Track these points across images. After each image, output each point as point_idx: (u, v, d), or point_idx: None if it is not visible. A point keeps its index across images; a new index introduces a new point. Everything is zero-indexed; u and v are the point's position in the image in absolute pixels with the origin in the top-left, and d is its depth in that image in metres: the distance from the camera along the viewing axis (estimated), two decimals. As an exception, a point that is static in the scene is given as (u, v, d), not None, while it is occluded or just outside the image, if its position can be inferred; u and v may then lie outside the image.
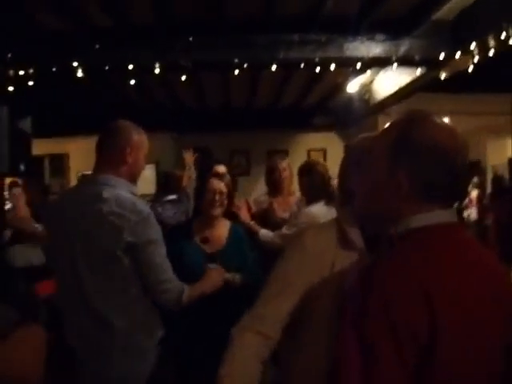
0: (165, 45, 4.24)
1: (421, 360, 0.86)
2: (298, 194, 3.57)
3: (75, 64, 4.24)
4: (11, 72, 4.37)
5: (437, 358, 0.86)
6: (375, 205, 1.10)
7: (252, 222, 3.32)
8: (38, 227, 4.57)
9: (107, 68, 4.29)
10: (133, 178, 1.93)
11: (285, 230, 3.08)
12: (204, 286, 2.04)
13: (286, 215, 3.41)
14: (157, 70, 4.35)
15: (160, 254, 1.79)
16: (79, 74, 4.35)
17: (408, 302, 0.87)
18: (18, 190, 4.69)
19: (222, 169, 3.86)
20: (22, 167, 5.03)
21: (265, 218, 3.48)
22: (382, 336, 0.86)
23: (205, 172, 3.29)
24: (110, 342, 1.72)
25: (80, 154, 10.30)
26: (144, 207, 1.79)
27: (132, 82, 4.61)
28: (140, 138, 1.91)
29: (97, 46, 4.22)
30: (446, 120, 4.65)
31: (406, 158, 1.00)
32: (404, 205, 1.01)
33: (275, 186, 3.60)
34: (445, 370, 0.88)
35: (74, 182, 10.43)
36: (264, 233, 3.20)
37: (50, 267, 2.08)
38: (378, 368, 0.85)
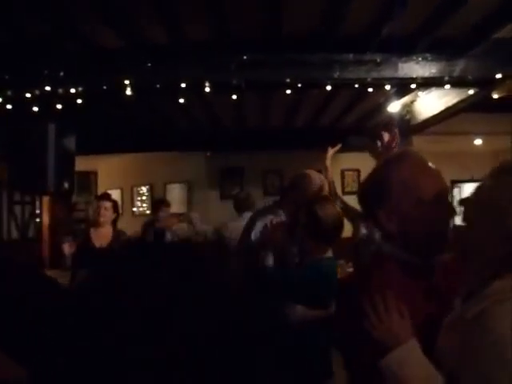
0: (218, 63, 4.19)
1: None
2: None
3: (126, 82, 4.21)
4: (60, 90, 4.36)
5: None
6: None
7: None
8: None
9: (158, 86, 4.26)
10: None
11: None
12: None
13: None
14: (207, 89, 4.31)
15: None
16: (128, 92, 4.32)
17: None
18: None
19: None
20: (66, 185, 4.98)
21: None
22: None
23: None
24: None
25: (109, 172, 10.32)
26: None
27: (181, 100, 4.56)
28: None
29: (148, 64, 4.19)
30: (479, 141, 4.49)
31: None
32: None
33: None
34: None
35: (101, 199, 10.41)
36: None
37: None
38: None
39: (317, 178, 3.14)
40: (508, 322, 0.99)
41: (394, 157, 1.39)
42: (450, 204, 1.31)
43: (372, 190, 1.37)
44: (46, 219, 9.12)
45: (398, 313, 1.20)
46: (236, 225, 4.65)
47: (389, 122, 3.33)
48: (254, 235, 2.99)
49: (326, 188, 3.27)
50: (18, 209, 7.97)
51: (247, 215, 4.64)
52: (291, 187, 3.17)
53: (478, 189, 1.16)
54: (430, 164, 1.34)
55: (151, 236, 5.67)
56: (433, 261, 1.32)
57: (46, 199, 8.65)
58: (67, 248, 4.11)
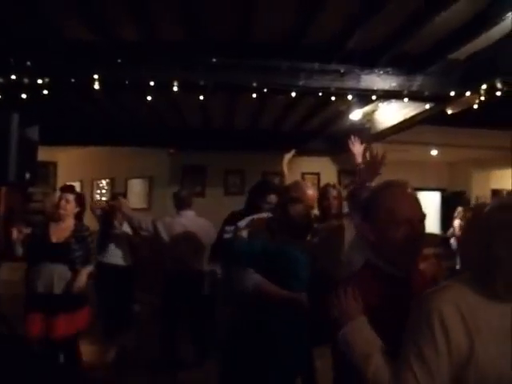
0: (187, 64, 4.27)
1: None
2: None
3: (95, 76, 4.23)
4: (26, 80, 4.33)
5: None
6: None
7: None
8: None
9: (127, 82, 4.30)
10: None
11: None
12: None
13: None
14: (175, 88, 4.37)
15: None
16: (96, 86, 4.33)
17: None
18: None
19: None
20: (28, 176, 4.93)
21: None
22: None
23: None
24: None
25: (69, 164, 10.17)
26: None
27: (149, 98, 4.60)
28: None
29: (118, 60, 4.23)
30: (435, 152, 4.74)
31: None
32: None
33: (325, 212, 3.81)
34: None
35: (60, 191, 10.25)
36: None
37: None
38: None
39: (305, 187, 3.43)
40: (443, 301, 1.28)
41: (383, 185, 1.68)
42: (421, 228, 1.59)
43: (362, 206, 1.70)
44: (1, 209, 8.90)
45: (353, 299, 1.52)
46: (171, 221, 4.80)
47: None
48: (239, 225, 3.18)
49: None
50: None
51: (185, 213, 4.83)
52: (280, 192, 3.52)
53: (481, 206, 1.45)
54: (410, 193, 1.63)
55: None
56: (405, 272, 1.61)
57: (3, 190, 8.45)
58: (15, 233, 3.93)
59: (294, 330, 2.67)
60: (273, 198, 3.59)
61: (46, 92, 4.47)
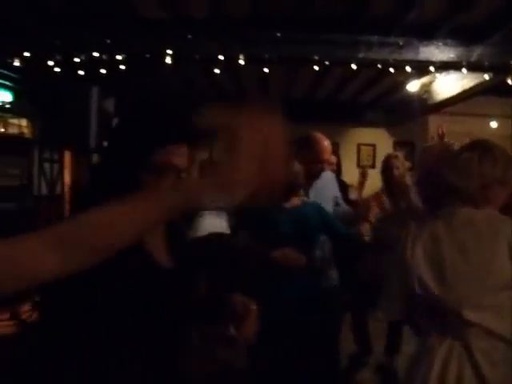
0: (252, 38, 4.53)
1: None
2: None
3: (168, 51, 4.57)
4: (105, 56, 4.72)
5: None
6: None
7: None
8: None
9: (197, 57, 4.62)
10: None
11: None
12: None
13: None
14: (241, 61, 4.65)
15: None
16: (168, 60, 4.67)
17: None
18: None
19: None
20: (106, 144, 5.38)
21: None
22: None
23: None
24: None
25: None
26: None
27: (217, 71, 4.90)
28: None
29: (189, 36, 4.55)
30: (495, 124, 4.88)
31: None
32: None
33: (388, 182, 3.80)
34: None
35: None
36: None
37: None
38: None
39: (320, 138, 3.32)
40: None
41: None
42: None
43: None
44: (67, 178, 9.41)
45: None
46: None
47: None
48: None
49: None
50: (47, 166, 8.32)
51: None
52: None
53: None
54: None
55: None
56: None
57: (67, 158, 8.95)
58: None
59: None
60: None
61: (122, 67, 4.86)
